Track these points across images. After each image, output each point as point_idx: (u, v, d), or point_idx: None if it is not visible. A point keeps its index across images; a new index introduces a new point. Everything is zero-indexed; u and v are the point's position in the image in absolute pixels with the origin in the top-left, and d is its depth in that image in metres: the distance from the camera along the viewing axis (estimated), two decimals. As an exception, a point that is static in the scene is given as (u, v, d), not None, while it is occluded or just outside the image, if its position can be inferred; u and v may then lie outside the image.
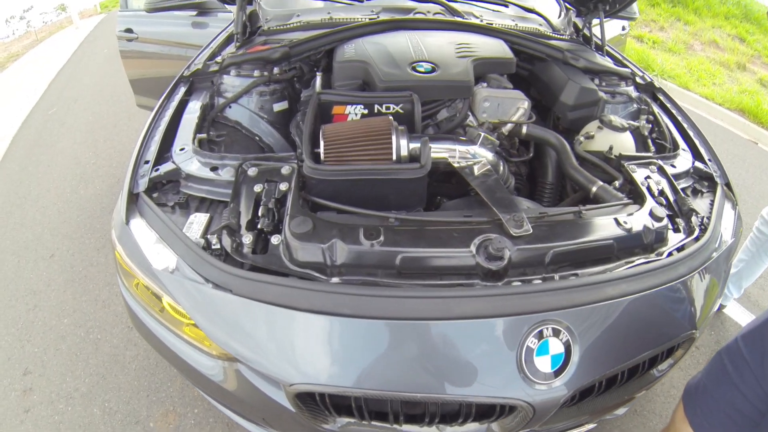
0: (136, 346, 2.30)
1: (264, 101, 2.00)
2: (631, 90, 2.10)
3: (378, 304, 1.09)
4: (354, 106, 1.69)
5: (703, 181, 1.74)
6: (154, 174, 1.50)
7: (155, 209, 1.38)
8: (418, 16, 2.31)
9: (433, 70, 1.78)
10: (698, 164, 1.76)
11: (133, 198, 1.45)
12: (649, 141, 1.92)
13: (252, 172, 1.46)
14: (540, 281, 1.20)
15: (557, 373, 1.12)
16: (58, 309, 2.51)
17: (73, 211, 3.17)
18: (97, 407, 2.07)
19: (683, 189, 1.63)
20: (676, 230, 1.46)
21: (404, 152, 1.50)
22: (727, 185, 1.73)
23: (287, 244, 1.22)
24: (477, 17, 2.43)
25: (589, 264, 1.28)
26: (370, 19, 2.28)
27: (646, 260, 1.30)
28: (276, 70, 2.00)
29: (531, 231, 1.25)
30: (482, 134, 1.70)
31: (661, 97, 2.18)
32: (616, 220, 1.35)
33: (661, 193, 1.56)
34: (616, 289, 1.18)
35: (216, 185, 1.48)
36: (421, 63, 1.81)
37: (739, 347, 1.16)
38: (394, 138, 1.49)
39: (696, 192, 1.68)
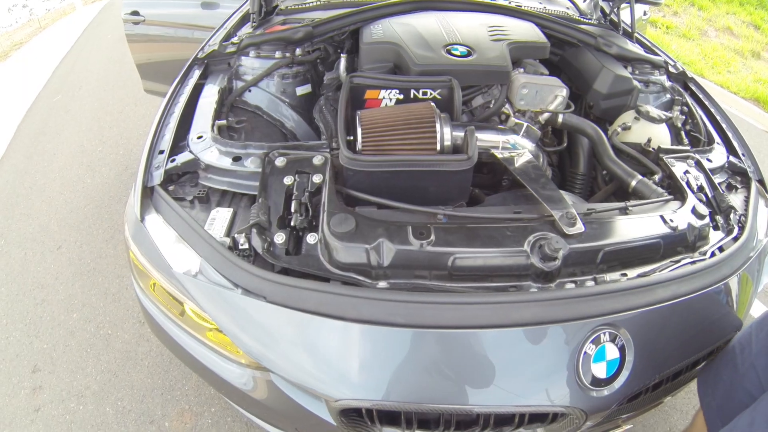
0: (149, 342, 2.22)
1: (286, 84, 1.90)
2: (664, 79, 2.03)
3: (433, 312, 1.01)
4: (388, 91, 1.58)
5: (737, 176, 1.70)
6: (170, 165, 1.40)
7: (173, 204, 1.28)
8: None
9: (468, 54, 1.69)
10: (732, 159, 1.72)
11: (147, 192, 1.34)
12: (683, 133, 1.86)
13: (280, 162, 1.36)
14: (592, 282, 1.16)
15: (612, 379, 1.08)
16: (66, 303, 2.43)
17: (80, 201, 3.07)
18: (109, 406, 2.00)
19: (719, 184, 1.58)
20: (716, 228, 1.42)
21: (447, 142, 1.40)
22: (761, 182, 1.68)
23: (326, 244, 1.12)
24: None
25: (635, 263, 1.24)
26: None
27: (692, 260, 1.27)
28: (298, 51, 1.90)
29: (584, 229, 1.18)
30: (526, 124, 1.60)
31: (693, 87, 2.11)
32: (662, 217, 1.30)
33: (700, 188, 1.51)
34: (667, 291, 1.14)
35: (239, 177, 1.38)
36: (455, 46, 1.72)
37: (750, 334, 1.25)
38: (438, 126, 1.38)
39: (730, 187, 1.65)
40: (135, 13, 3.01)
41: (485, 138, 1.56)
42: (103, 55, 4.96)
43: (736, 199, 1.57)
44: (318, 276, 1.10)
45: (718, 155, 1.69)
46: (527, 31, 1.89)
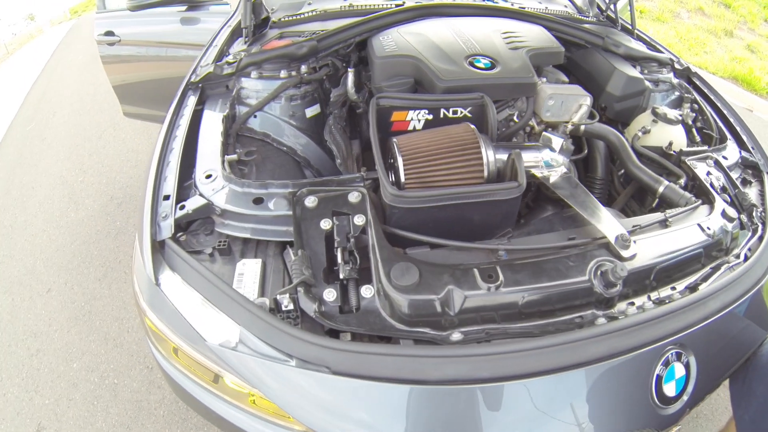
0: (161, 389, 2.08)
1: (295, 107, 1.77)
2: (671, 77, 2.01)
3: (517, 361, 0.95)
4: (417, 111, 1.49)
5: (748, 169, 1.70)
6: (180, 213, 1.25)
7: (191, 262, 1.14)
8: (447, 0, 2.11)
9: (492, 66, 1.60)
10: (743, 153, 1.73)
11: (157, 246, 1.19)
12: (694, 130, 1.86)
13: (310, 202, 1.24)
14: (650, 303, 1.16)
15: (680, 395, 1.10)
16: (64, 352, 2.26)
17: (65, 238, 2.89)
18: (126, 464, 1.86)
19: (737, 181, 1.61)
20: (741, 227, 1.43)
21: (492, 167, 1.33)
22: None
23: (387, 296, 1.03)
24: (505, 0, 2.28)
25: (679, 275, 1.26)
26: (396, 5, 2.06)
27: (729, 265, 1.29)
28: (304, 68, 1.77)
29: (637, 252, 1.17)
30: (562, 140, 1.53)
31: (697, 82, 2.10)
32: (699, 226, 1.32)
33: (723, 189, 1.53)
34: (717, 302, 1.15)
35: (263, 221, 1.25)
36: (477, 57, 1.63)
37: None
38: (483, 151, 1.31)
39: (745, 182, 1.65)
40: (109, 33, 2.82)
41: (525, 158, 1.47)
42: (74, 79, 4.70)
43: (751, 193, 1.58)
44: (385, 336, 1.01)
45: (732, 152, 1.71)
46: (541, 37, 1.82)
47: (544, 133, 1.58)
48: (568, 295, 1.10)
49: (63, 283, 2.61)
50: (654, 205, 1.66)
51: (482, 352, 0.94)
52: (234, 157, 1.48)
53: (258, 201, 1.27)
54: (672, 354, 1.06)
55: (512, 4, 2.22)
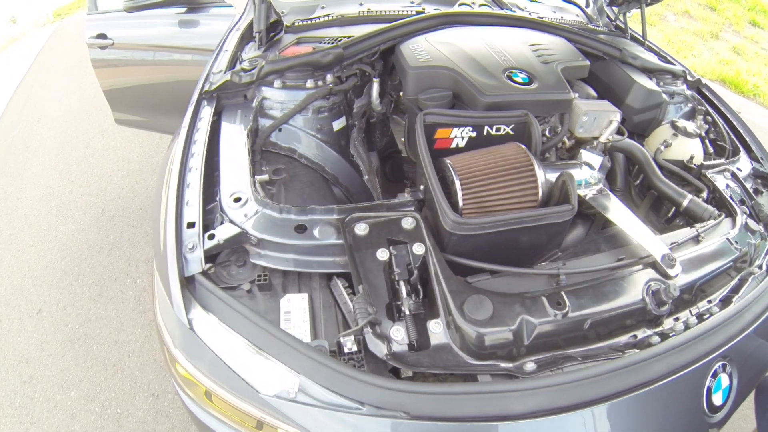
0: (169, 418, 1.95)
1: (323, 120, 1.67)
2: (684, 89, 2.04)
3: (594, 386, 0.96)
4: (461, 129, 1.43)
5: (758, 179, 1.77)
6: (210, 244, 1.12)
7: (231, 302, 1.02)
8: (464, 8, 2.05)
9: (530, 81, 1.55)
10: (754, 164, 1.80)
11: (185, 283, 1.06)
12: (707, 142, 1.92)
13: (361, 230, 1.16)
14: (695, 319, 1.21)
15: (725, 403, 1.15)
16: (60, 379, 2.11)
17: (54, 254, 2.71)
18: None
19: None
20: (762, 238, 1.50)
21: (544, 188, 1.31)
22: None
23: (459, 331, 1.00)
24: (521, 9, 2.25)
25: (712, 289, 1.33)
26: (416, 12, 2.00)
27: (755, 275, 1.36)
28: (329, 77, 1.66)
29: (681, 269, 1.23)
30: (602, 158, 1.52)
31: (707, 93, 2.13)
32: (728, 240, 1.39)
33: (742, 201, 1.61)
34: (751, 313, 1.20)
35: (306, 252, 1.14)
36: (514, 71, 1.57)
37: None
38: (538, 173, 1.29)
39: (757, 192, 1.71)
40: (102, 35, 2.66)
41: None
42: (60, 83, 4.45)
43: (765, 203, 1.64)
44: (459, 373, 0.98)
45: (745, 163, 1.79)
46: (566, 50, 1.80)
47: (582, 150, 1.57)
48: (624, 316, 1.15)
49: (54, 303, 2.44)
50: (670, 215, 1.71)
51: (561, 381, 0.94)
52: (265, 177, 1.37)
53: (301, 228, 1.17)
54: (719, 366, 1.12)
55: (530, 13, 2.19)
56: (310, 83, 1.60)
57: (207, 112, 1.52)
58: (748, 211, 1.57)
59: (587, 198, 1.41)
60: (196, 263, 1.08)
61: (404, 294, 1.05)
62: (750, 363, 1.23)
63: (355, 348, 0.94)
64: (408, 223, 1.18)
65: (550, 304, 1.08)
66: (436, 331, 1.01)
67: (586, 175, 1.48)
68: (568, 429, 0.95)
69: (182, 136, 1.44)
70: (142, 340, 2.25)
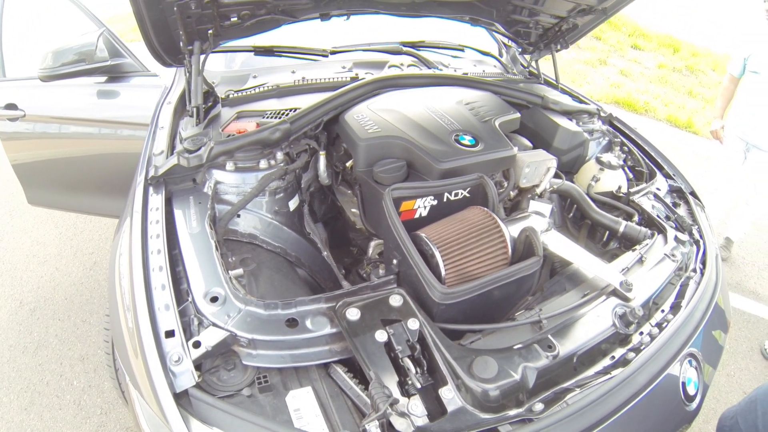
0: None
1: (280, 201, 1.60)
2: (600, 124, 2.24)
3: (600, 406, 1.10)
4: (423, 199, 1.48)
5: (674, 193, 2.02)
6: (198, 353, 1.03)
7: (240, 413, 0.94)
8: (394, 70, 2.12)
9: (477, 143, 1.62)
10: (669, 181, 2.05)
11: (179, 401, 0.96)
12: (626, 169, 2.12)
13: (353, 314, 1.16)
14: (657, 329, 1.37)
15: (697, 391, 1.35)
16: None
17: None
18: None
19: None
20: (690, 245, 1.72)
21: (511, 244, 1.41)
22: (692, 193, 2.02)
23: (470, 392, 1.06)
24: (446, 66, 2.37)
25: (662, 300, 1.49)
26: (350, 78, 2.02)
27: (693, 279, 1.56)
28: (280, 155, 1.60)
29: (637, 291, 1.41)
30: (551, 206, 1.70)
31: (618, 125, 2.36)
32: (667, 255, 1.59)
33: (667, 217, 1.82)
34: (699, 311, 1.43)
35: (301, 345, 1.11)
36: (460, 134, 1.64)
37: (756, 411, 1.51)
38: (505, 232, 1.38)
39: (676, 205, 1.94)
40: (11, 106, 2.42)
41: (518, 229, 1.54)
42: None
43: (682, 212, 1.89)
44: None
45: (662, 182, 2.02)
46: (497, 104, 1.91)
47: (531, 201, 1.72)
48: (601, 342, 1.28)
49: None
50: (605, 239, 1.91)
51: (572, 411, 1.06)
52: (240, 271, 1.29)
53: (292, 322, 1.13)
54: (687, 361, 1.33)
55: (455, 70, 2.30)
56: (263, 163, 1.53)
57: (158, 201, 1.39)
58: (674, 225, 1.78)
59: (548, 247, 1.51)
60: (186, 377, 0.99)
61: (413, 370, 1.08)
62: (707, 351, 1.45)
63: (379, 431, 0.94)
64: (396, 300, 1.22)
65: (542, 348, 1.19)
66: (449, 397, 1.05)
67: (539, 223, 1.58)
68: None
69: (136, 229, 1.30)
70: (91, 450, 1.97)
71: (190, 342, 1.04)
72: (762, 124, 3.08)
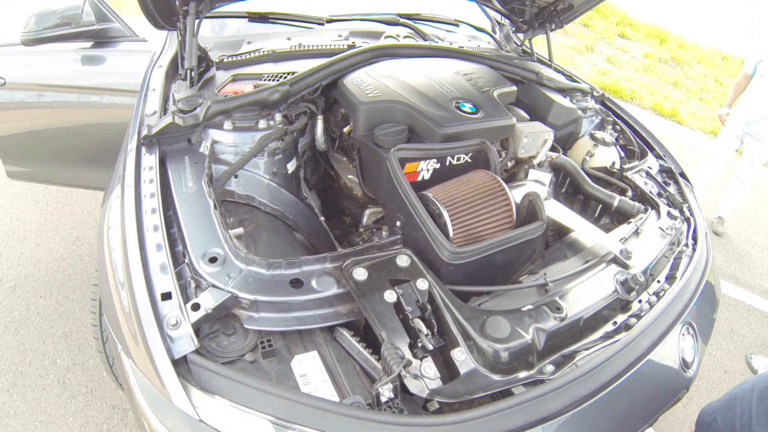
0: None
1: (278, 162, 1.56)
2: (593, 103, 2.26)
3: (612, 366, 1.12)
4: (427, 162, 1.47)
5: (664, 173, 2.06)
6: (197, 316, 0.98)
7: (245, 379, 0.89)
8: (389, 41, 2.09)
9: (477, 110, 1.62)
10: (659, 161, 2.10)
11: (177, 368, 0.91)
12: (618, 147, 2.14)
13: (360, 275, 1.12)
14: (655, 297, 1.39)
15: (694, 357, 1.39)
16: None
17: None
18: None
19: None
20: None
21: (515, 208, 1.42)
22: (682, 174, 2.07)
23: (482, 353, 1.05)
24: (441, 39, 2.35)
25: (657, 271, 1.52)
26: (347, 45, 1.98)
27: (686, 253, 1.59)
28: (278, 116, 1.55)
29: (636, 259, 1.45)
30: (551, 175, 1.74)
31: (610, 105, 2.39)
32: (661, 229, 1.63)
33: (659, 194, 1.86)
34: (693, 282, 1.46)
35: (306, 307, 1.07)
36: (460, 101, 1.63)
37: (751, 401, 1.51)
38: (510, 195, 1.38)
39: (667, 184, 1.98)
40: (-11, 73, 2.28)
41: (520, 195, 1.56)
42: None
43: (673, 191, 1.93)
44: (492, 394, 1.04)
45: (653, 161, 2.07)
46: (494, 77, 1.91)
47: (531, 170, 1.73)
48: (604, 308, 1.31)
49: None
50: (596, 214, 1.93)
51: (584, 371, 1.07)
52: (240, 231, 1.25)
53: (296, 283, 1.08)
54: (685, 329, 1.37)
55: (451, 43, 2.27)
56: (262, 124, 1.49)
57: (151, 161, 1.34)
58: (666, 202, 1.82)
59: (548, 215, 1.50)
60: (185, 341, 0.94)
61: (424, 331, 1.05)
62: (701, 319, 1.50)
63: (392, 395, 0.91)
64: (403, 261, 1.20)
65: (551, 310, 1.20)
66: (461, 358, 1.04)
67: (540, 191, 1.59)
68: (604, 408, 1.09)
69: (129, 188, 1.24)
70: (77, 430, 1.90)
71: (189, 304, 0.99)
72: (760, 122, 3.49)
